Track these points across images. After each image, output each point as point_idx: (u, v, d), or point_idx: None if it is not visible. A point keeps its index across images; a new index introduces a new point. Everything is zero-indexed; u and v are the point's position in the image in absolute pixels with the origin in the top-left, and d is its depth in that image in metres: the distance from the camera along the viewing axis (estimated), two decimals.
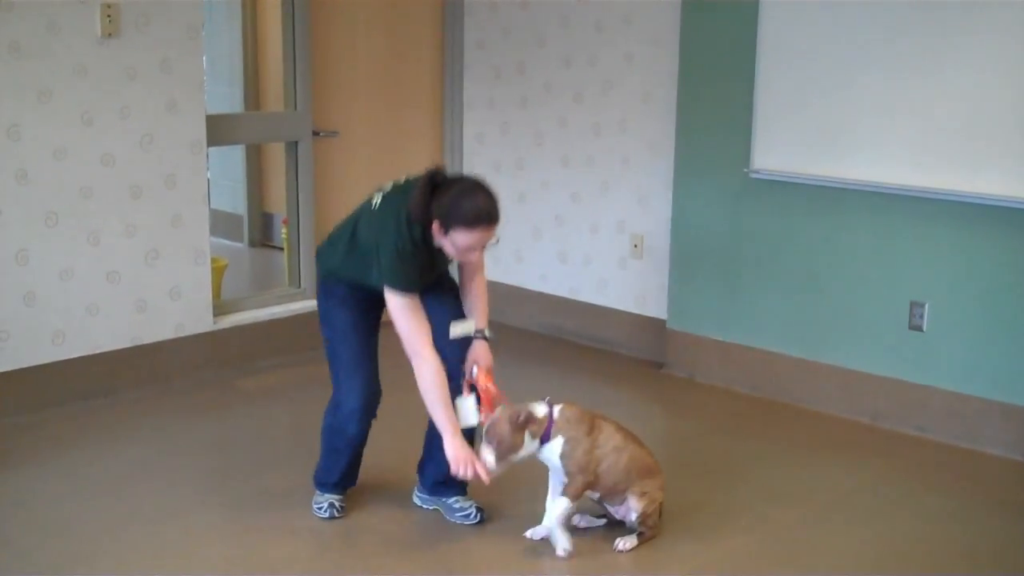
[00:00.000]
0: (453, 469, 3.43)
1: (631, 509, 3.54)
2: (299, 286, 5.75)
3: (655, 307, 5.59)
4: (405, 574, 3.41)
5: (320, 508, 3.75)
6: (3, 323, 4.56)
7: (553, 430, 3.43)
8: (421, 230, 3.42)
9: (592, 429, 3.46)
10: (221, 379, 5.20)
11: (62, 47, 4.56)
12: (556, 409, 3.47)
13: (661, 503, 3.60)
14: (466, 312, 3.69)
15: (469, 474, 3.42)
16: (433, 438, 3.63)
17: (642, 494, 3.52)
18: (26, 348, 4.64)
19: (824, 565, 3.52)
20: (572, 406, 3.50)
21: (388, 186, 3.57)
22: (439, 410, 3.44)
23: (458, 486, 3.73)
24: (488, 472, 3.41)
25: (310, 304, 5.50)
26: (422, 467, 3.82)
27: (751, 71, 4.89)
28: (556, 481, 3.53)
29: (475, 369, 3.58)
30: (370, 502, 3.81)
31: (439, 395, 3.43)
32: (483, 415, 3.51)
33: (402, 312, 3.43)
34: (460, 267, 3.71)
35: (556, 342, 5.96)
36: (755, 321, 5.12)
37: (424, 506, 3.83)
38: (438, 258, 3.54)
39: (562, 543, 3.47)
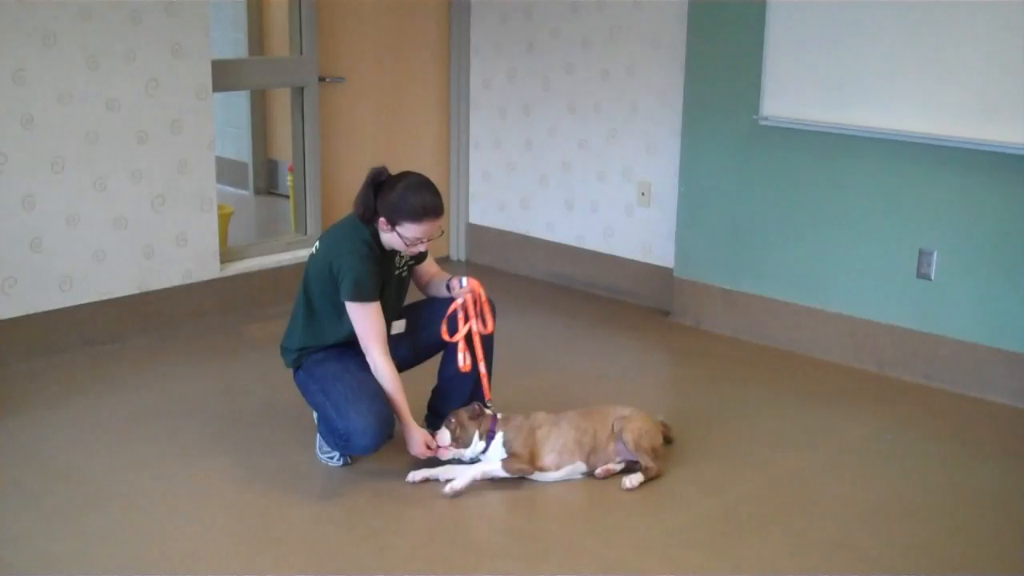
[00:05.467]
0: (415, 451, 3.61)
1: (627, 443, 3.65)
2: (305, 233, 5.74)
3: (662, 255, 5.58)
4: (415, 517, 3.44)
5: (332, 458, 3.76)
6: (10, 269, 4.56)
7: (496, 426, 3.65)
8: (370, 233, 3.59)
9: (527, 418, 3.70)
10: (227, 325, 5.21)
11: None
12: (498, 414, 3.71)
13: (654, 447, 3.69)
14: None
15: (426, 453, 3.62)
16: (451, 378, 3.82)
17: (631, 430, 3.66)
18: (33, 294, 4.64)
19: (829, 512, 3.54)
20: (507, 414, 3.74)
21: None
22: (392, 401, 3.59)
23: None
24: (444, 447, 3.63)
25: None
26: (434, 406, 3.90)
27: (761, 17, 4.84)
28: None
29: (464, 280, 3.72)
30: None
31: (392, 387, 3.58)
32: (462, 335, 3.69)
33: (360, 314, 3.56)
34: (423, 283, 3.88)
35: (562, 290, 5.95)
36: (762, 269, 5.11)
37: None
38: (395, 281, 3.70)
39: (459, 485, 3.56)
